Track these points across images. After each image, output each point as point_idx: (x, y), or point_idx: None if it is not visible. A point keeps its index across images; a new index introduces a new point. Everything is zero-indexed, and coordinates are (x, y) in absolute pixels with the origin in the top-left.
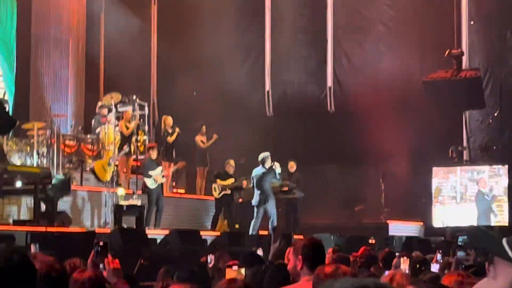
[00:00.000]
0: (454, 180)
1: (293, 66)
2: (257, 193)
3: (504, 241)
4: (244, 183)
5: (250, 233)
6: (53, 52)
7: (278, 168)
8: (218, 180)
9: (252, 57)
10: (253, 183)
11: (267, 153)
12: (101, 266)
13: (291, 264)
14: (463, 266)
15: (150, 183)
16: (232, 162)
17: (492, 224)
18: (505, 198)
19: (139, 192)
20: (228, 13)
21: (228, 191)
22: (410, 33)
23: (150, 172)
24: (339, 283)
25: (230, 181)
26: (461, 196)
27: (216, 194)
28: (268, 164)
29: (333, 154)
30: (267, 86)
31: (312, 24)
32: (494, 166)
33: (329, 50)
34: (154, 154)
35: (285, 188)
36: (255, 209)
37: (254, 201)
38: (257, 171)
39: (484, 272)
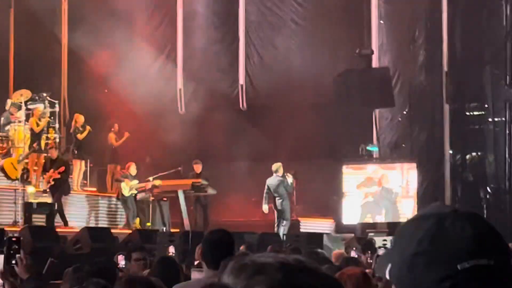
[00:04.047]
0: (363, 177)
1: (205, 63)
2: (277, 199)
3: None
4: (158, 183)
5: (281, 234)
6: None
7: (290, 178)
8: (126, 180)
9: (164, 54)
10: (268, 190)
11: (279, 164)
12: (13, 261)
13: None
14: None
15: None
16: (133, 164)
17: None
18: (410, 195)
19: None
20: (139, 8)
21: (135, 191)
22: (321, 32)
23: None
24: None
25: (135, 182)
26: (369, 193)
27: (126, 192)
28: (281, 172)
29: (245, 152)
30: (179, 84)
31: (224, 21)
32: (403, 164)
33: (241, 47)
34: (54, 154)
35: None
36: (277, 213)
37: (277, 206)
38: (272, 180)
39: None
